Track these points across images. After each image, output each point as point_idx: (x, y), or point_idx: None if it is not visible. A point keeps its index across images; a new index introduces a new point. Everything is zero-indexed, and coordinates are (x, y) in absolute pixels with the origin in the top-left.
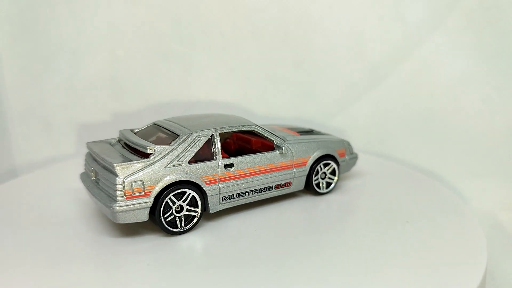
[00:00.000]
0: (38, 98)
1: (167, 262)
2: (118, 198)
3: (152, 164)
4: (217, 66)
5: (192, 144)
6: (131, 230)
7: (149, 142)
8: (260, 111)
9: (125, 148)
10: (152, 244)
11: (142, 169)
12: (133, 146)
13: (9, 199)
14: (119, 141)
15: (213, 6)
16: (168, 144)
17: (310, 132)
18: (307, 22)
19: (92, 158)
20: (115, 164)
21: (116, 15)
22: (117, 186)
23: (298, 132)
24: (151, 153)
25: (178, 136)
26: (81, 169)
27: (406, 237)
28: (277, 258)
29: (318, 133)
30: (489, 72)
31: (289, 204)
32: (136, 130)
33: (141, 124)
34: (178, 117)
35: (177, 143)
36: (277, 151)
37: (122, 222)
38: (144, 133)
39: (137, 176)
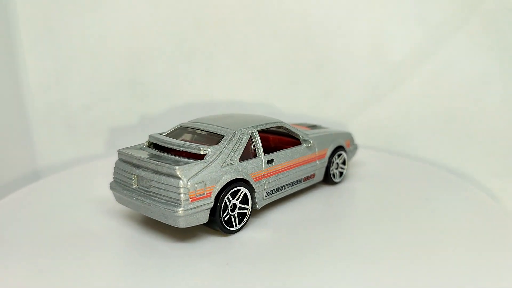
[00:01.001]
0: (60, 100)
1: (243, 258)
2: (183, 202)
3: (209, 164)
4: (239, 67)
5: (238, 143)
6: (174, 234)
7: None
8: (282, 112)
9: (162, 151)
10: (214, 245)
11: (201, 170)
12: (179, 149)
13: (33, 201)
14: (149, 145)
15: (235, 8)
16: (215, 144)
17: (315, 126)
18: (329, 24)
19: (131, 164)
20: (176, 167)
21: (138, 17)
22: (181, 190)
23: (307, 127)
24: (205, 154)
25: (222, 136)
26: (104, 170)
27: (437, 237)
28: (336, 242)
29: (322, 127)
30: (509, 72)
31: (310, 195)
32: (165, 133)
33: (165, 125)
34: (204, 118)
35: (225, 143)
36: (304, 145)
37: (184, 227)
38: (175, 136)
39: (199, 177)
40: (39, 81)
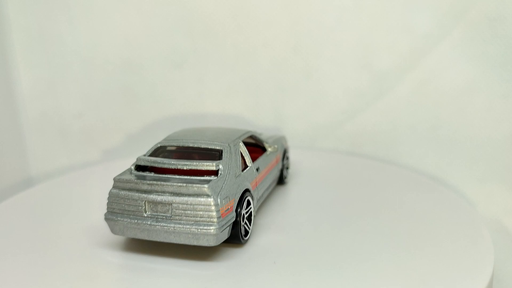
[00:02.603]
0: (53, 107)
1: (286, 260)
2: (216, 220)
3: (226, 178)
4: (229, 76)
5: (236, 155)
6: (180, 252)
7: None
8: (270, 120)
9: (161, 173)
10: (239, 254)
11: (223, 185)
12: (187, 167)
13: (26, 208)
14: (136, 168)
15: (226, 17)
16: (218, 159)
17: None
18: (317, 33)
19: (136, 191)
20: (206, 186)
21: (130, 26)
22: (213, 207)
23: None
24: (218, 169)
25: (220, 150)
26: (97, 177)
27: (412, 241)
28: (354, 234)
29: (258, 133)
30: (494, 81)
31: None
32: (147, 155)
33: (155, 132)
34: (178, 135)
35: (228, 156)
36: (270, 150)
37: (216, 244)
38: (165, 156)
39: (224, 193)
40: (32, 89)
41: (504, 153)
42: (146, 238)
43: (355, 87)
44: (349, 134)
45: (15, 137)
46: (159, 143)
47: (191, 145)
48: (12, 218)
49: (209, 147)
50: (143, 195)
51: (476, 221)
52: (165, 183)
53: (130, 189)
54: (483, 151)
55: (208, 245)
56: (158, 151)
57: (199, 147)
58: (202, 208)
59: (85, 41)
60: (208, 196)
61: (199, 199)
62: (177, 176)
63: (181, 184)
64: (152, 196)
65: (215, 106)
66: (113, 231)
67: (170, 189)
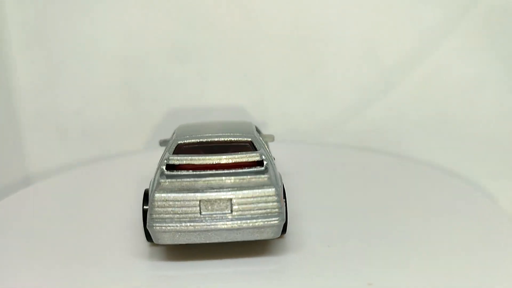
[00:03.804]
0: (51, 104)
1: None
2: (279, 210)
3: (271, 168)
4: (232, 71)
5: (264, 144)
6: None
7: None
8: (275, 115)
9: (198, 169)
10: (280, 245)
11: (275, 175)
12: (233, 161)
13: (24, 208)
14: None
15: (228, 12)
16: (253, 150)
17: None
18: (322, 27)
19: (187, 191)
20: (267, 176)
21: (130, 21)
22: (275, 197)
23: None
24: (263, 159)
25: (250, 141)
26: (96, 175)
27: (434, 236)
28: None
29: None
30: (502, 74)
31: None
32: (174, 155)
33: (156, 128)
34: (189, 130)
35: (260, 145)
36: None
37: (279, 235)
38: (189, 153)
39: (279, 182)
40: (30, 85)
41: None
42: (203, 241)
43: (361, 81)
44: (355, 129)
45: (12, 135)
46: (177, 140)
47: (216, 139)
48: (9, 218)
49: (237, 139)
50: (197, 194)
51: (498, 214)
52: (222, 178)
53: (180, 190)
54: (491, 146)
55: (272, 238)
56: (181, 149)
57: (225, 141)
58: (265, 200)
59: (84, 37)
60: (269, 186)
61: (261, 190)
62: (224, 171)
63: (240, 177)
64: (208, 194)
65: (218, 102)
66: (159, 240)
67: (229, 184)
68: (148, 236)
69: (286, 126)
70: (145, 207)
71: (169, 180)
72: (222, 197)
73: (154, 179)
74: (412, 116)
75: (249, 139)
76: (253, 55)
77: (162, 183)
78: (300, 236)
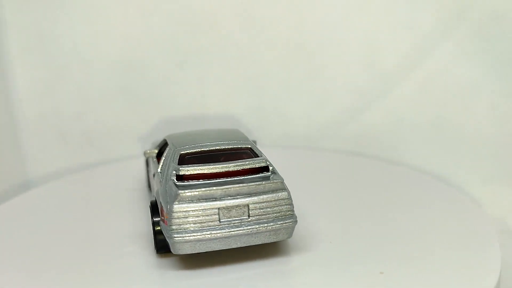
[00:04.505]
0: (52, 108)
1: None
2: (292, 212)
3: (277, 172)
4: (232, 76)
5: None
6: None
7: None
8: (273, 120)
9: (206, 178)
10: (287, 245)
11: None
12: (241, 168)
13: (24, 212)
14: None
15: (229, 17)
16: (255, 156)
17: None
18: (320, 33)
19: (206, 200)
20: (280, 180)
21: (130, 25)
22: (289, 200)
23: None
24: (268, 165)
25: (249, 147)
26: (96, 179)
27: (419, 241)
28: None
29: None
30: (498, 79)
31: None
32: (183, 165)
33: (156, 133)
34: (185, 140)
35: (260, 152)
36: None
37: (291, 236)
38: (197, 162)
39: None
40: (30, 90)
41: (509, 152)
42: (223, 247)
43: (359, 86)
44: (353, 134)
45: (13, 139)
46: (177, 150)
47: (217, 148)
48: (9, 222)
49: (237, 146)
50: (216, 202)
51: (482, 221)
52: (238, 186)
53: (199, 200)
54: (488, 151)
55: (286, 239)
56: (184, 159)
57: (226, 148)
58: (280, 203)
59: (84, 41)
60: (283, 190)
61: (275, 194)
62: (239, 178)
63: (256, 183)
64: (227, 201)
65: (218, 107)
66: (179, 250)
67: (246, 190)
68: (158, 247)
69: (285, 130)
70: (155, 218)
71: (187, 190)
72: (240, 203)
73: (165, 190)
74: (409, 120)
75: (249, 146)
76: (252, 60)
77: (180, 194)
78: (299, 235)
